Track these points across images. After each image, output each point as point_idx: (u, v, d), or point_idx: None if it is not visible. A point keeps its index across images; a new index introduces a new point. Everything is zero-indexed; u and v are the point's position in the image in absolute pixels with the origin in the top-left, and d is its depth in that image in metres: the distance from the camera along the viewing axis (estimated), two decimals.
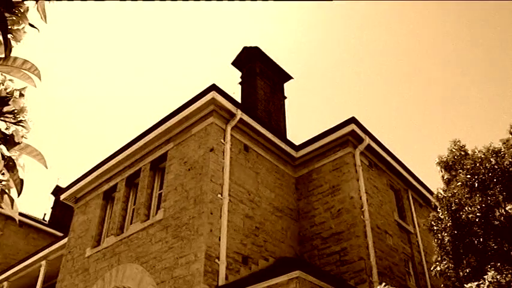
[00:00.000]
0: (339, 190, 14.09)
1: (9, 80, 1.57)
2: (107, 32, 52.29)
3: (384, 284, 9.19)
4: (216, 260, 11.44)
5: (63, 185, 19.93)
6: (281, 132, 17.29)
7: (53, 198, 33.74)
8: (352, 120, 14.40)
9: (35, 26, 1.57)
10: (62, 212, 30.65)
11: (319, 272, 11.36)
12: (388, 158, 15.78)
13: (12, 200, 1.50)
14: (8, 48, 1.51)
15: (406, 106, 51.55)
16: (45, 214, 34.40)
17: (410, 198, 16.92)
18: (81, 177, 17.75)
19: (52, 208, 33.25)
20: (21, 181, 1.46)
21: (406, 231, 15.66)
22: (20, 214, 28.21)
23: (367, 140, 14.56)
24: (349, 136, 14.43)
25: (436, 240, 10.21)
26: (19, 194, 1.48)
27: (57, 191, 30.99)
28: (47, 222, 31.52)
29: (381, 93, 51.59)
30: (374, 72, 50.63)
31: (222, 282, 11.27)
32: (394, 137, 49.44)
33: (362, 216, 13.34)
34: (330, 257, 13.31)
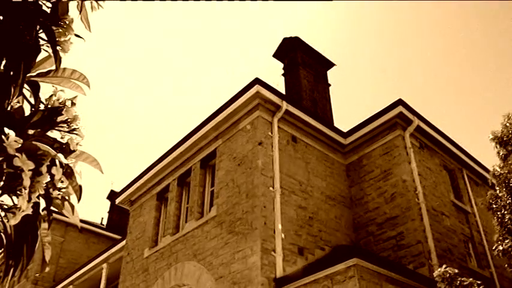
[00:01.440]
0: (391, 174, 13.88)
1: (61, 90, 1.61)
2: (149, 32, 53.04)
3: (444, 266, 9.02)
4: (272, 253, 11.46)
5: (118, 189, 20.36)
6: (328, 120, 17.16)
7: (108, 202, 34.60)
8: (399, 102, 14.14)
9: (80, 36, 1.60)
10: (118, 216, 31.37)
11: (377, 258, 11.25)
12: (440, 138, 15.41)
13: (72, 207, 1.54)
14: (57, 60, 1.55)
15: (453, 84, 50.35)
16: (102, 218, 35.33)
17: (466, 177, 16.50)
18: (134, 180, 18.10)
19: (108, 212, 34.09)
20: (80, 187, 1.50)
21: (463, 212, 15.28)
22: (80, 220, 28.98)
23: (416, 121, 14.26)
24: (397, 119, 14.17)
25: (496, 219, 9.93)
26: (79, 200, 1.52)
27: (112, 195, 31.72)
28: (104, 227, 32.36)
29: (426, 72, 50.53)
30: (417, 52, 49.60)
31: (280, 274, 11.30)
32: (443, 117, 48.39)
33: (416, 199, 13.10)
34: (386, 242, 13.14)
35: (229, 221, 12.70)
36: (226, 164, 13.91)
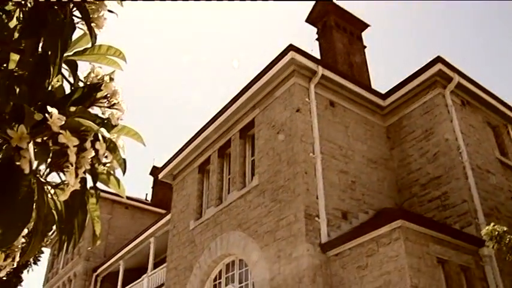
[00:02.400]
0: (433, 133, 13.62)
1: (98, 67, 1.63)
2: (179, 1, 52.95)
3: (492, 224, 8.88)
4: (316, 218, 11.50)
5: (159, 165, 20.68)
6: (365, 82, 16.89)
7: (151, 178, 35.22)
8: (438, 59, 13.78)
9: (113, 11, 1.60)
10: (162, 191, 31.92)
11: (422, 219, 11.15)
12: (482, 94, 14.97)
13: (118, 180, 1.56)
14: (93, 37, 1.55)
15: (491, 36, 48.80)
16: (146, 194, 36.04)
17: (511, 133, 16.05)
18: (175, 154, 18.32)
19: (152, 188, 34.73)
20: (124, 161, 1.52)
21: (510, 168, 14.91)
22: (125, 197, 29.65)
23: (457, 78, 13.89)
24: (437, 76, 13.83)
25: None
26: (124, 173, 1.54)
27: (155, 171, 32.25)
28: (149, 202, 33.01)
29: (465, 27, 49.07)
30: (454, 5, 48.15)
31: (325, 239, 11.34)
32: (485, 72, 47.09)
33: (460, 158, 12.85)
34: (430, 202, 12.99)
35: (272, 189, 12.76)
36: (265, 133, 13.92)
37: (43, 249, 25.10)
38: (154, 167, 33.87)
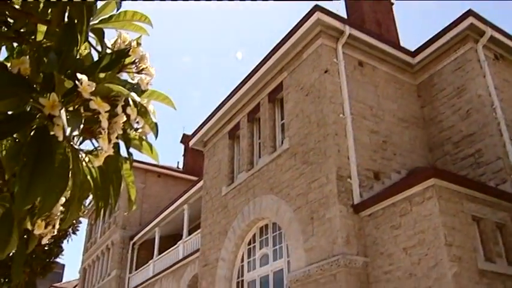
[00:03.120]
0: (465, 90, 13.33)
1: (125, 33, 1.62)
2: None
3: None
4: (348, 180, 11.48)
5: (189, 133, 20.81)
6: (393, 40, 16.56)
7: (182, 146, 35.53)
8: (470, 13, 13.37)
9: None
10: (193, 158, 32.20)
11: (455, 177, 11.01)
12: None
13: (150, 145, 1.57)
14: (118, 3, 1.54)
15: None
16: (178, 162, 36.43)
17: None
18: (205, 121, 18.40)
19: (183, 156, 35.05)
20: (156, 125, 1.52)
21: None
22: (156, 165, 30.06)
23: (489, 32, 13.47)
24: (468, 31, 13.45)
25: None
26: (156, 136, 1.54)
27: (185, 138, 32.50)
28: (181, 170, 33.37)
29: None
30: None
31: (357, 200, 11.34)
32: None
33: (494, 114, 12.58)
34: (464, 160, 12.81)
35: (302, 151, 12.76)
36: (293, 96, 13.85)
37: (81, 219, 25.73)
38: (184, 135, 34.14)
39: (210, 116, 18.07)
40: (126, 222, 28.16)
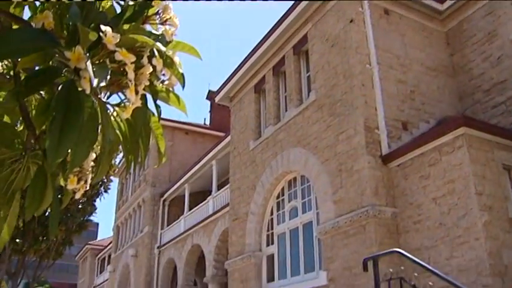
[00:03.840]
0: (496, 36, 12.92)
1: None
2: None
3: None
4: (376, 131, 11.39)
5: (215, 89, 20.78)
6: None
7: (208, 103, 35.59)
8: None
9: None
10: (220, 114, 32.24)
11: (486, 126, 10.83)
12: None
13: (178, 97, 1.56)
14: None
15: None
16: (205, 119, 36.61)
17: None
18: (230, 76, 18.34)
19: (210, 112, 35.15)
20: (182, 75, 1.50)
21: None
22: (184, 123, 30.26)
23: None
24: None
25: None
26: (183, 86, 1.53)
27: (211, 95, 32.51)
28: (208, 126, 33.52)
29: None
30: None
31: (385, 151, 11.28)
32: None
33: None
34: (494, 108, 12.53)
35: (329, 103, 12.67)
36: (319, 47, 13.66)
37: (112, 178, 26.21)
38: (210, 91, 34.14)
39: (235, 71, 17.99)
40: (155, 180, 28.58)
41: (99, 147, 1.57)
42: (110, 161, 1.64)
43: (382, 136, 11.38)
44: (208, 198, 22.01)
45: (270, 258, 14.95)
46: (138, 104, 1.35)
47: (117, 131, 1.53)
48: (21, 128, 1.83)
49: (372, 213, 10.52)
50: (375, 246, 10.15)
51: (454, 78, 13.88)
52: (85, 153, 1.28)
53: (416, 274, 4.53)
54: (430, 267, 4.93)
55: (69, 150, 1.36)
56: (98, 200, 24.29)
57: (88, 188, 1.66)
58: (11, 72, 1.57)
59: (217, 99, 19.75)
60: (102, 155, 1.53)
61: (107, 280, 37.38)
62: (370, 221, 10.59)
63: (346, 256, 11.13)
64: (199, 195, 25.32)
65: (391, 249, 6.22)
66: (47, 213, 17.27)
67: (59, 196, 1.62)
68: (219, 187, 21.94)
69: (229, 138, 19.34)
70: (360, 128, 11.38)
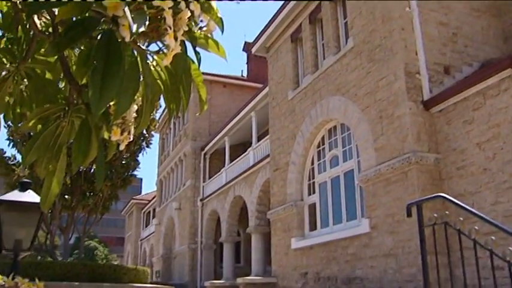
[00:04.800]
0: None
1: None
2: None
3: None
4: (417, 75, 11.13)
5: (251, 40, 20.58)
6: None
7: (244, 54, 35.38)
8: None
9: None
10: (257, 65, 32.07)
11: None
12: None
13: (216, 42, 1.54)
14: None
15: None
16: (242, 71, 36.47)
17: None
18: (266, 26, 18.11)
19: (247, 64, 34.98)
20: (221, 19, 1.48)
21: None
22: (221, 75, 30.24)
23: None
24: None
25: None
26: (222, 31, 1.50)
27: (247, 46, 32.27)
28: (246, 78, 33.41)
29: None
30: None
31: (427, 96, 11.04)
32: None
33: None
34: None
35: (368, 49, 12.40)
36: None
37: (153, 133, 26.58)
38: (246, 42, 33.89)
39: (270, 20, 17.75)
40: (196, 133, 28.86)
41: (140, 98, 1.57)
42: (151, 110, 1.64)
43: (423, 81, 11.13)
44: (249, 149, 22.15)
45: (312, 207, 15.05)
46: (178, 50, 1.33)
47: (158, 81, 1.53)
48: (63, 84, 1.85)
49: (414, 160, 10.41)
50: (417, 192, 10.08)
51: (499, 19, 13.31)
52: (128, 102, 1.28)
53: (461, 219, 4.48)
54: (476, 212, 4.86)
55: (112, 101, 1.36)
56: (140, 155, 24.78)
57: (132, 139, 1.68)
58: (50, 29, 1.57)
59: (253, 50, 19.59)
60: (145, 103, 1.53)
61: (153, 233, 38.47)
62: (412, 168, 10.49)
63: (389, 203, 11.11)
64: (240, 147, 25.50)
65: (435, 194, 6.16)
66: (92, 170, 17.72)
67: (104, 149, 1.64)
68: (259, 138, 22.01)
69: (267, 89, 19.25)
70: (400, 74, 11.15)
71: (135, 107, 1.61)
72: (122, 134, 1.62)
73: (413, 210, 4.81)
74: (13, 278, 2.02)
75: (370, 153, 11.87)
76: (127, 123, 1.63)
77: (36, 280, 2.00)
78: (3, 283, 1.99)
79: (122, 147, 1.66)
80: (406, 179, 10.66)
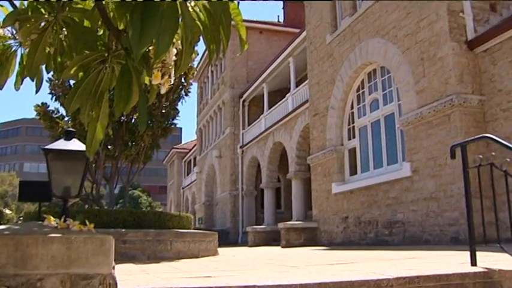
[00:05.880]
0: None
1: None
2: None
3: None
4: (461, 14, 10.73)
5: None
6: None
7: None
8: None
9: None
10: (293, 9, 31.47)
11: None
12: None
13: None
14: None
15: None
16: (278, 16, 35.89)
17: None
18: None
19: (283, 8, 34.33)
20: None
21: None
22: (257, 21, 29.81)
23: None
24: None
25: None
26: None
27: None
28: (282, 23, 32.87)
29: None
30: None
31: (471, 36, 10.66)
32: None
33: None
34: None
35: None
36: None
37: (191, 81, 26.66)
38: None
39: None
40: (234, 81, 28.78)
41: (179, 41, 1.55)
42: (191, 53, 1.63)
43: (467, 20, 10.72)
44: (287, 95, 22.02)
45: (352, 151, 14.99)
46: None
47: (197, 22, 1.50)
48: (102, 31, 1.84)
49: (457, 102, 10.18)
50: (460, 135, 9.88)
51: None
52: (168, 42, 1.27)
53: (508, 159, 4.38)
54: None
55: (152, 43, 1.35)
56: (179, 104, 24.96)
57: (172, 82, 1.67)
58: None
59: None
60: (184, 45, 1.51)
61: (194, 181, 39.11)
62: (455, 110, 10.27)
63: (430, 147, 10.95)
64: (278, 94, 25.35)
65: (480, 135, 6.01)
66: (133, 120, 17.97)
67: (146, 93, 1.64)
68: (297, 84, 21.82)
69: (304, 33, 18.92)
70: (442, 13, 10.76)
71: (175, 50, 1.60)
72: (162, 77, 1.62)
73: (457, 152, 4.71)
74: (64, 221, 2.09)
75: (411, 96, 11.65)
76: (167, 66, 1.62)
77: (87, 221, 2.07)
78: (55, 224, 2.06)
79: (163, 91, 1.66)
80: (448, 121, 10.45)
